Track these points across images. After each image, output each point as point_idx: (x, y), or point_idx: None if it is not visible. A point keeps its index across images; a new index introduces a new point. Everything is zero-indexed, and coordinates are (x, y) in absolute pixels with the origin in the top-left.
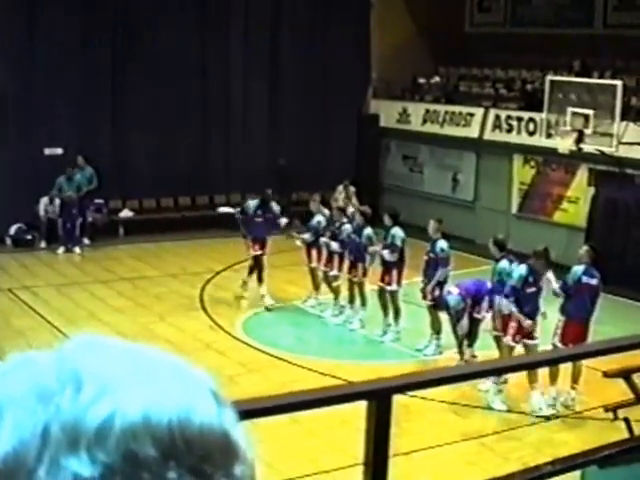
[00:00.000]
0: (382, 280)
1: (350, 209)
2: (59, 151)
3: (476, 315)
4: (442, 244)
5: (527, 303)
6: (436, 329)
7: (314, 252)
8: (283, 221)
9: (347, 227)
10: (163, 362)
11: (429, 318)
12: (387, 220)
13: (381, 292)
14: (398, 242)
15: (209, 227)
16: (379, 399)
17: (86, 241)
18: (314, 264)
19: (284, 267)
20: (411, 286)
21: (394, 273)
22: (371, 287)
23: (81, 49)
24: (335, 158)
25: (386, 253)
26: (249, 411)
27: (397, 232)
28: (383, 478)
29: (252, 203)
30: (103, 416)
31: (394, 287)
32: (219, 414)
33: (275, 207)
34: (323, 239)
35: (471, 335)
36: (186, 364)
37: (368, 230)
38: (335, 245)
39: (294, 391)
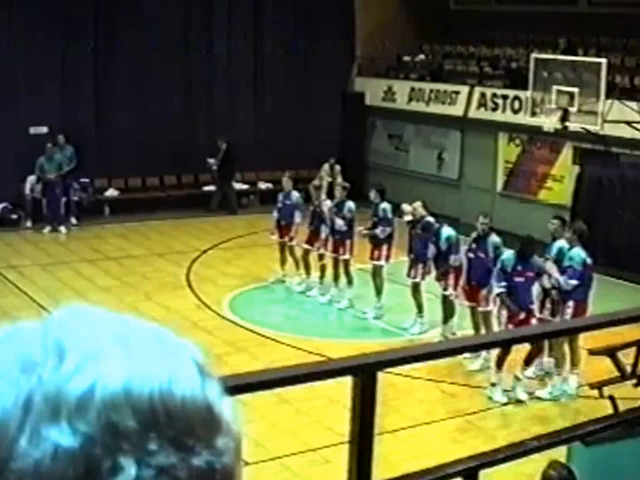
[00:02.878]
0: (371, 256)
1: (324, 184)
2: (44, 130)
3: (446, 292)
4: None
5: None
6: (419, 308)
7: (292, 230)
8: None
9: (327, 203)
10: (148, 333)
11: (412, 296)
12: (374, 196)
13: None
14: (390, 215)
15: (195, 206)
16: (364, 375)
17: (73, 220)
18: (294, 242)
19: (271, 246)
20: (396, 265)
21: (384, 248)
22: (356, 266)
23: (63, 27)
24: (320, 137)
25: (379, 231)
26: (233, 387)
27: (387, 206)
28: (369, 454)
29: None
30: (84, 387)
31: (381, 262)
32: (202, 386)
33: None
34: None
35: (446, 311)
36: (172, 335)
37: (350, 203)
38: (340, 222)
39: (278, 367)
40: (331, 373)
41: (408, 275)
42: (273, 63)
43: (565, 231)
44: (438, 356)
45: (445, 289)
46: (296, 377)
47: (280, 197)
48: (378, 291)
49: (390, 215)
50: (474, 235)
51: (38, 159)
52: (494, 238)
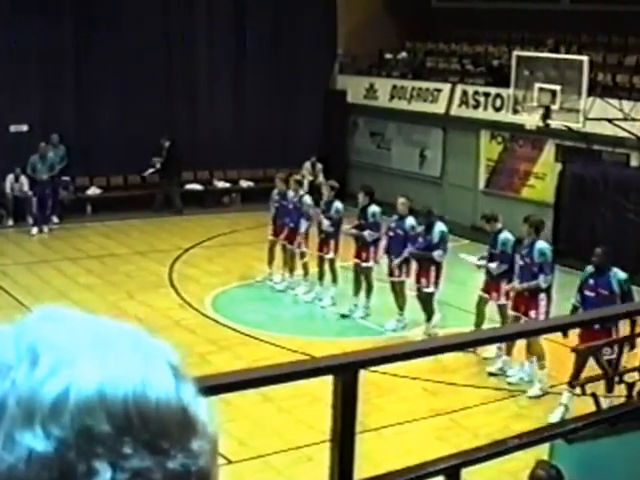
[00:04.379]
0: (358, 256)
1: (305, 183)
2: (24, 128)
3: (424, 289)
4: (412, 221)
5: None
6: (400, 306)
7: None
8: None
9: (306, 199)
10: (123, 335)
11: (392, 295)
12: (363, 198)
13: (357, 268)
14: (379, 219)
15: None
16: (345, 374)
17: (55, 219)
18: (281, 240)
19: (253, 244)
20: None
21: (371, 250)
22: (340, 264)
23: (43, 24)
24: (302, 135)
25: (367, 234)
26: (213, 387)
27: (376, 209)
28: (350, 452)
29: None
30: (58, 391)
31: (370, 264)
32: (177, 388)
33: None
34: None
35: (426, 309)
36: (147, 337)
37: (337, 204)
38: (327, 223)
39: (258, 366)
40: (312, 372)
41: (391, 274)
42: (255, 61)
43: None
44: (418, 355)
45: (427, 286)
46: (277, 377)
47: (276, 197)
48: (367, 291)
49: (379, 220)
50: (395, 216)
51: (31, 157)
52: (411, 220)
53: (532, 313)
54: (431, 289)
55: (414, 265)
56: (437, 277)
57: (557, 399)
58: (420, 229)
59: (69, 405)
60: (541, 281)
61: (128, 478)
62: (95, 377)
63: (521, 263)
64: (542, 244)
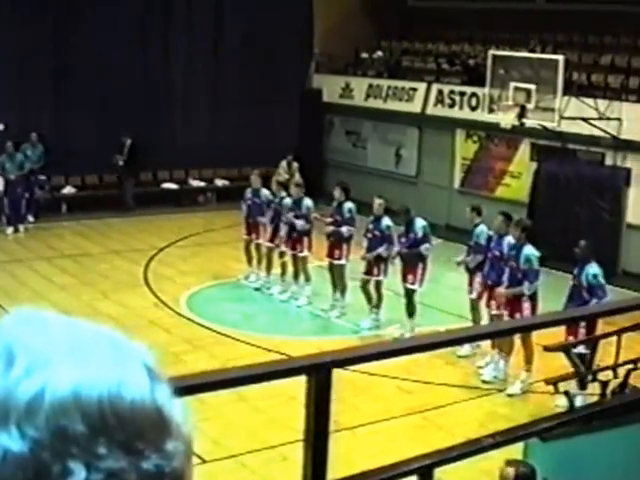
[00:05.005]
0: (331, 255)
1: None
2: (0, 127)
3: (409, 286)
4: (388, 221)
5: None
6: (375, 304)
7: (257, 228)
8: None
9: (287, 201)
10: (99, 337)
11: (370, 294)
12: (339, 194)
13: (331, 266)
14: (355, 215)
15: (152, 204)
16: (318, 373)
17: (30, 218)
18: (260, 240)
19: (228, 243)
20: (354, 263)
21: (344, 248)
22: (316, 263)
23: (20, 24)
24: (278, 133)
25: (345, 230)
26: (187, 387)
27: (352, 205)
28: (324, 452)
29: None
30: (33, 391)
31: (343, 262)
32: (152, 389)
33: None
34: (287, 216)
35: (410, 305)
36: (123, 338)
37: (307, 200)
38: (301, 222)
39: (231, 367)
40: (285, 373)
41: (368, 273)
42: (231, 60)
43: (509, 227)
44: (392, 355)
45: (413, 283)
46: (250, 377)
47: (248, 194)
48: (341, 289)
49: (355, 215)
50: (371, 217)
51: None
52: (387, 220)
53: (517, 316)
54: (416, 286)
55: (398, 264)
56: (423, 274)
57: (536, 398)
58: (398, 229)
59: (44, 405)
60: (525, 288)
61: (102, 478)
62: (70, 378)
63: (505, 263)
64: (529, 250)
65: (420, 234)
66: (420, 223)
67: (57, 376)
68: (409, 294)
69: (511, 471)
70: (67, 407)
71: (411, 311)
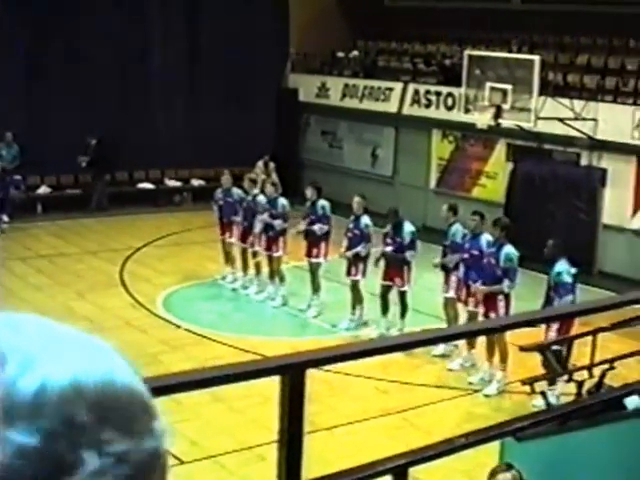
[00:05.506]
0: (310, 254)
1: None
2: None
3: (400, 288)
4: (366, 220)
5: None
6: (354, 305)
7: (232, 228)
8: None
9: (261, 198)
10: (74, 334)
11: (350, 294)
12: (311, 193)
13: (310, 266)
14: (328, 213)
15: (128, 203)
16: (291, 374)
17: (5, 218)
18: (233, 240)
19: (204, 243)
20: (332, 263)
21: (322, 246)
22: (292, 263)
23: None
24: (254, 133)
25: (317, 228)
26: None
27: (325, 203)
28: (298, 453)
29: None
30: (35, 385)
31: (320, 260)
32: (134, 375)
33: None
34: (262, 217)
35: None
36: (93, 336)
37: (282, 200)
38: (278, 222)
39: (201, 367)
40: (257, 373)
41: (348, 273)
42: (207, 59)
43: (485, 226)
44: (366, 355)
45: (402, 286)
46: (221, 378)
47: (219, 195)
48: (316, 289)
49: (329, 213)
50: (352, 217)
51: None
52: (366, 219)
53: (492, 315)
54: (406, 287)
55: (382, 265)
56: (409, 275)
57: (515, 398)
58: (378, 230)
59: (48, 397)
60: (505, 286)
61: (113, 462)
62: (65, 370)
63: (484, 261)
64: (509, 249)
65: (407, 240)
66: (409, 228)
67: (52, 370)
68: (402, 296)
69: (509, 476)
70: (70, 397)
71: (402, 312)
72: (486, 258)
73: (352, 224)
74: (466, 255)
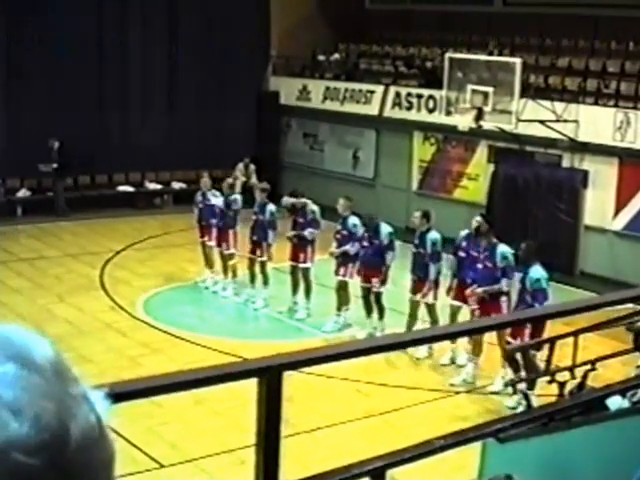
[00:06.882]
0: (295, 258)
1: (238, 184)
2: None
3: (376, 289)
4: (354, 220)
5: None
6: (339, 306)
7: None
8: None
9: (237, 197)
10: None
11: (336, 295)
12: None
13: (294, 270)
14: (318, 217)
15: (108, 206)
16: (268, 376)
17: None
18: (211, 242)
19: (185, 246)
20: (316, 265)
21: (309, 250)
22: (272, 265)
23: None
24: (235, 136)
25: (308, 233)
26: (120, 394)
27: (315, 207)
28: (275, 456)
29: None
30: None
31: (308, 264)
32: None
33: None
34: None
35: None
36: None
37: (271, 206)
38: (272, 235)
39: (177, 371)
40: (234, 376)
41: (336, 273)
42: (187, 62)
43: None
44: (345, 357)
45: (379, 287)
46: (197, 381)
47: (199, 197)
48: (307, 292)
49: (319, 217)
50: (340, 219)
51: None
52: (353, 219)
53: (493, 314)
54: (382, 289)
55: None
56: (386, 276)
57: (497, 399)
58: (362, 229)
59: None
60: (504, 285)
61: (89, 410)
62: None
63: (480, 266)
64: (504, 248)
65: (386, 241)
66: (386, 230)
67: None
68: (377, 297)
69: None
70: (44, 368)
71: (381, 313)
72: (481, 262)
73: (340, 225)
74: (462, 255)
